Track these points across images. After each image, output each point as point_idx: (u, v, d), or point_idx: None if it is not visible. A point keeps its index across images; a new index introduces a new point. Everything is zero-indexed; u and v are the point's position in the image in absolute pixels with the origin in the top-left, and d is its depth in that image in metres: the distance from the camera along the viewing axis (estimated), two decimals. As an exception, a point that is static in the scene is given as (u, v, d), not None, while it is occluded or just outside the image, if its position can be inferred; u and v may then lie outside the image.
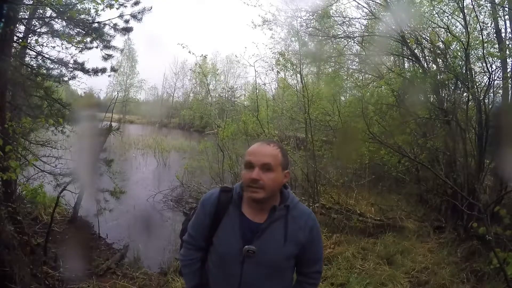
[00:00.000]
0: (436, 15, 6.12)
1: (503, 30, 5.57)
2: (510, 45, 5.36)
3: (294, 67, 7.15)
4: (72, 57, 4.95)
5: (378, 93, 7.46)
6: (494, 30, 5.51)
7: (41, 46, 4.75)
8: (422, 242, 5.08)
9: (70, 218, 5.55)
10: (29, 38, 4.73)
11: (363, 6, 6.86)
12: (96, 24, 4.94)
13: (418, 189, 6.94)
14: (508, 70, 5.39)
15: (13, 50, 4.43)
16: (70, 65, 4.97)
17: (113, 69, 5.57)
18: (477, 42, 5.37)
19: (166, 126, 23.63)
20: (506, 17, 5.52)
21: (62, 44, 4.77)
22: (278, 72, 8.06)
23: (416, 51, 6.33)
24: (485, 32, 5.34)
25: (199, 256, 1.46)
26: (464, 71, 5.53)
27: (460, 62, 5.59)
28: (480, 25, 5.22)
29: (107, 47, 5.16)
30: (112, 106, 6.67)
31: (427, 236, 5.30)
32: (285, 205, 1.34)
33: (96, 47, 5.12)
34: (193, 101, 23.19)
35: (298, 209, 1.38)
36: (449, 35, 5.65)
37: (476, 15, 5.35)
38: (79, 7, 4.76)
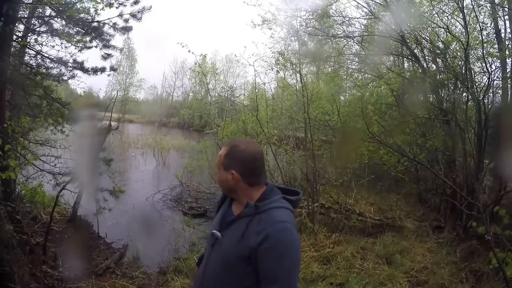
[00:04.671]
0: (436, 15, 6.13)
1: (502, 30, 5.60)
2: (509, 45, 5.37)
3: (294, 66, 7.14)
4: (71, 56, 4.93)
5: (377, 92, 7.47)
6: (494, 30, 5.53)
7: (40, 45, 4.74)
8: (421, 241, 5.08)
9: (69, 218, 5.55)
10: (28, 37, 4.71)
11: (363, 6, 6.87)
12: (95, 23, 4.92)
13: (417, 189, 6.95)
14: (508, 70, 5.41)
15: (12, 49, 4.42)
16: (70, 64, 4.96)
17: (112, 69, 5.57)
18: (477, 42, 5.37)
19: (165, 126, 23.65)
20: (506, 17, 5.54)
21: (61, 43, 4.76)
22: (277, 71, 8.04)
23: (415, 51, 6.33)
24: (484, 32, 5.35)
25: None
26: (463, 71, 5.52)
27: (460, 62, 5.59)
28: (479, 25, 5.22)
29: (106, 46, 5.15)
30: (112, 105, 6.65)
31: (426, 236, 5.30)
32: (255, 204, 1.32)
33: (96, 46, 5.11)
34: (193, 100, 23.21)
35: (270, 214, 1.29)
36: (449, 35, 5.65)
37: (476, 15, 5.36)
38: (78, 6, 4.75)
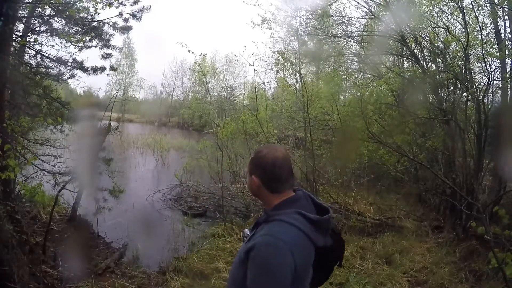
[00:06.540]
0: (436, 15, 6.13)
1: (502, 30, 5.59)
2: (509, 45, 5.37)
3: (294, 66, 7.17)
4: (71, 56, 4.93)
5: (377, 92, 7.48)
6: (494, 30, 5.52)
7: (40, 45, 4.74)
8: (421, 241, 5.09)
9: (69, 217, 5.54)
10: (28, 37, 4.70)
11: (363, 6, 6.88)
12: (95, 23, 4.92)
13: (417, 189, 6.95)
14: (507, 70, 5.41)
15: (12, 49, 4.42)
16: (69, 64, 4.96)
17: (112, 68, 5.56)
18: (477, 42, 5.37)
19: (165, 125, 23.65)
20: (506, 17, 5.54)
21: (61, 42, 4.76)
22: (277, 71, 8.07)
23: (415, 51, 6.34)
24: (484, 32, 5.34)
25: None
26: (463, 71, 5.53)
27: (460, 62, 5.60)
28: (479, 25, 5.22)
29: (106, 46, 5.14)
30: (111, 105, 6.62)
31: (426, 236, 5.31)
32: (266, 212, 1.35)
33: (95, 46, 5.10)
34: (192, 100, 23.17)
35: (270, 226, 1.25)
36: (449, 35, 5.65)
37: (476, 15, 5.36)
38: (78, 6, 4.76)
